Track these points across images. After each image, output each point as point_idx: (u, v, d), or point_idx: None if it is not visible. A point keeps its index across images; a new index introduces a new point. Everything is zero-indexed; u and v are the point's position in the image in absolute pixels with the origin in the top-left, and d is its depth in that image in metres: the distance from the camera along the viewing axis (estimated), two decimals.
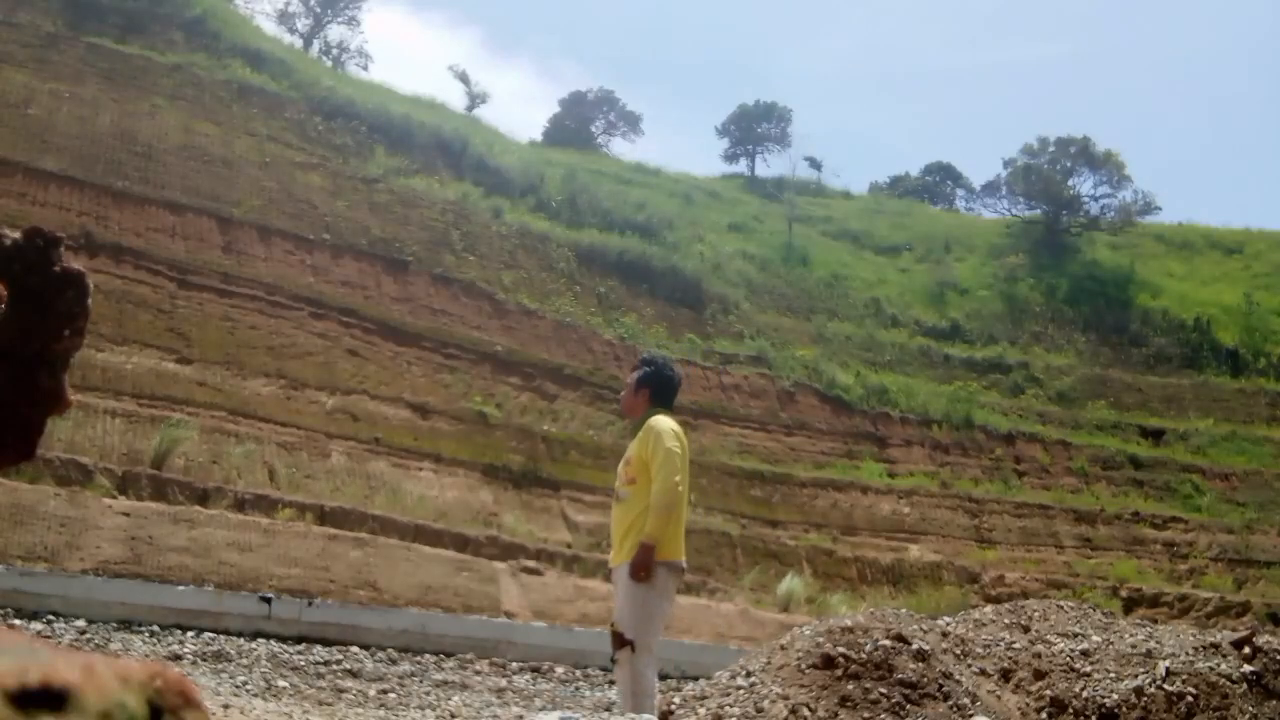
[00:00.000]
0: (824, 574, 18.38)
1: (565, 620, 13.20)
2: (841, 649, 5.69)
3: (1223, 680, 5.69)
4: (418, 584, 13.05)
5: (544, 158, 29.74)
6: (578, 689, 10.45)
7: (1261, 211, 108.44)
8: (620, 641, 5.49)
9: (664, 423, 5.57)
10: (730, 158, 41.79)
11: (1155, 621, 11.02)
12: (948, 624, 6.78)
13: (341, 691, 8.53)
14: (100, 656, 0.75)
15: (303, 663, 9.54)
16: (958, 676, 5.70)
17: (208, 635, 9.97)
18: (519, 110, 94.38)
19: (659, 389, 5.74)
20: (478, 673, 10.46)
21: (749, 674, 6.12)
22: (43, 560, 10.88)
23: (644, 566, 5.38)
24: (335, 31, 35.78)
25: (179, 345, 15.92)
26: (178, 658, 8.90)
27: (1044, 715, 5.72)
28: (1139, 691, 5.62)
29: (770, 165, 41.18)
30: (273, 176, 20.02)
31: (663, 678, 11.06)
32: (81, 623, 9.55)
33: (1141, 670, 5.79)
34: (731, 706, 5.80)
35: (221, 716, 6.11)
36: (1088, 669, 5.91)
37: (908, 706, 5.36)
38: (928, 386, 24.65)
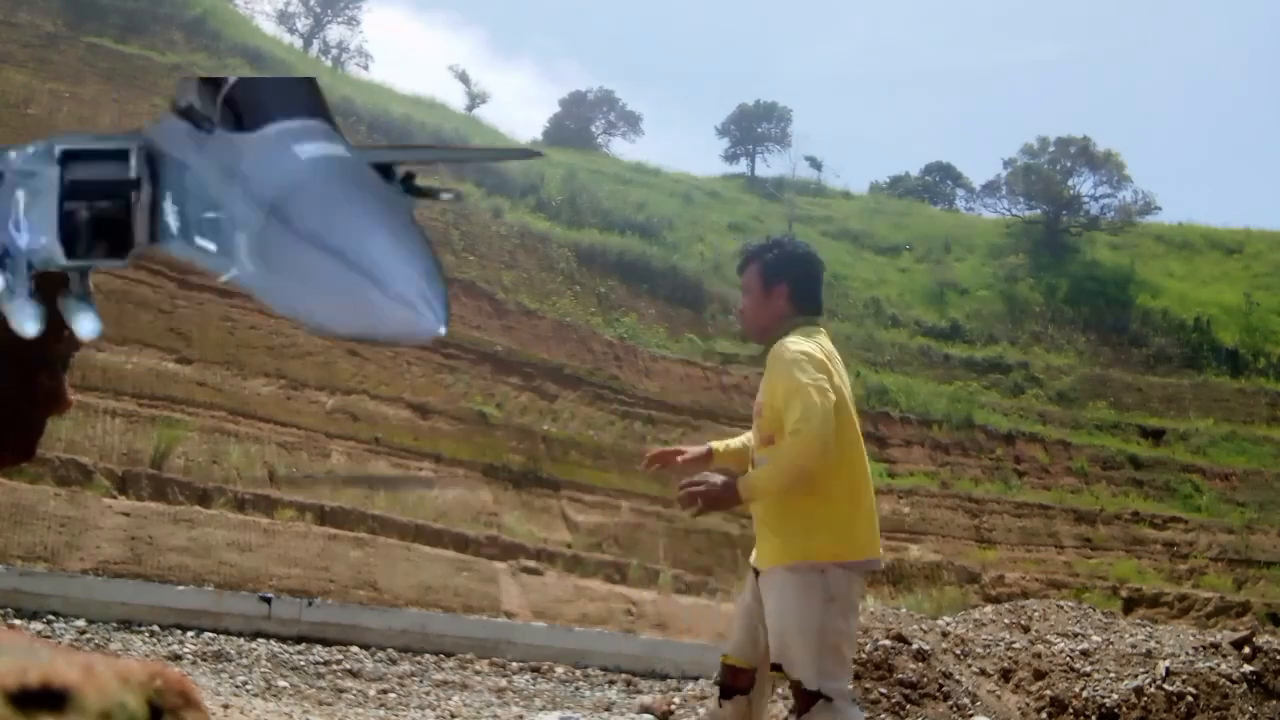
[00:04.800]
0: None
1: (565, 620, 13.19)
2: None
3: (1223, 680, 5.69)
4: (418, 584, 13.05)
5: (544, 158, 29.73)
6: (578, 689, 10.44)
7: (1261, 211, 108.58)
8: (803, 697, 3.30)
9: (797, 344, 3.50)
10: (730, 158, 41.78)
11: (1155, 621, 11.02)
12: (948, 624, 6.78)
13: (341, 691, 8.54)
14: (100, 656, 0.75)
15: (303, 663, 9.54)
16: (958, 676, 5.70)
17: (208, 635, 9.97)
18: (520, 110, 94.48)
19: (799, 280, 3.69)
20: (478, 673, 10.45)
21: None
22: (43, 560, 10.88)
23: (710, 499, 3.44)
24: (335, 31, 35.81)
25: (179, 345, 15.92)
26: (178, 658, 8.89)
27: (1044, 715, 5.72)
28: (1139, 691, 5.62)
29: (770, 165, 41.14)
30: None
31: (662, 678, 11.08)
32: (81, 623, 9.55)
33: (1141, 670, 5.79)
34: None
35: (221, 716, 6.11)
36: (1088, 669, 5.91)
37: (908, 706, 5.36)
38: (928, 386, 24.65)
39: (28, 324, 1.03)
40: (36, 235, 1.06)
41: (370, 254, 0.86)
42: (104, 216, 1.07)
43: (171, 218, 1.06)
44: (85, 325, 1.05)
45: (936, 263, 30.83)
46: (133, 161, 1.05)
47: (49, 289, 1.07)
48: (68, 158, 1.06)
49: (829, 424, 3.36)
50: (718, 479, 3.49)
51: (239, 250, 0.94)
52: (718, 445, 3.97)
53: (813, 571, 3.36)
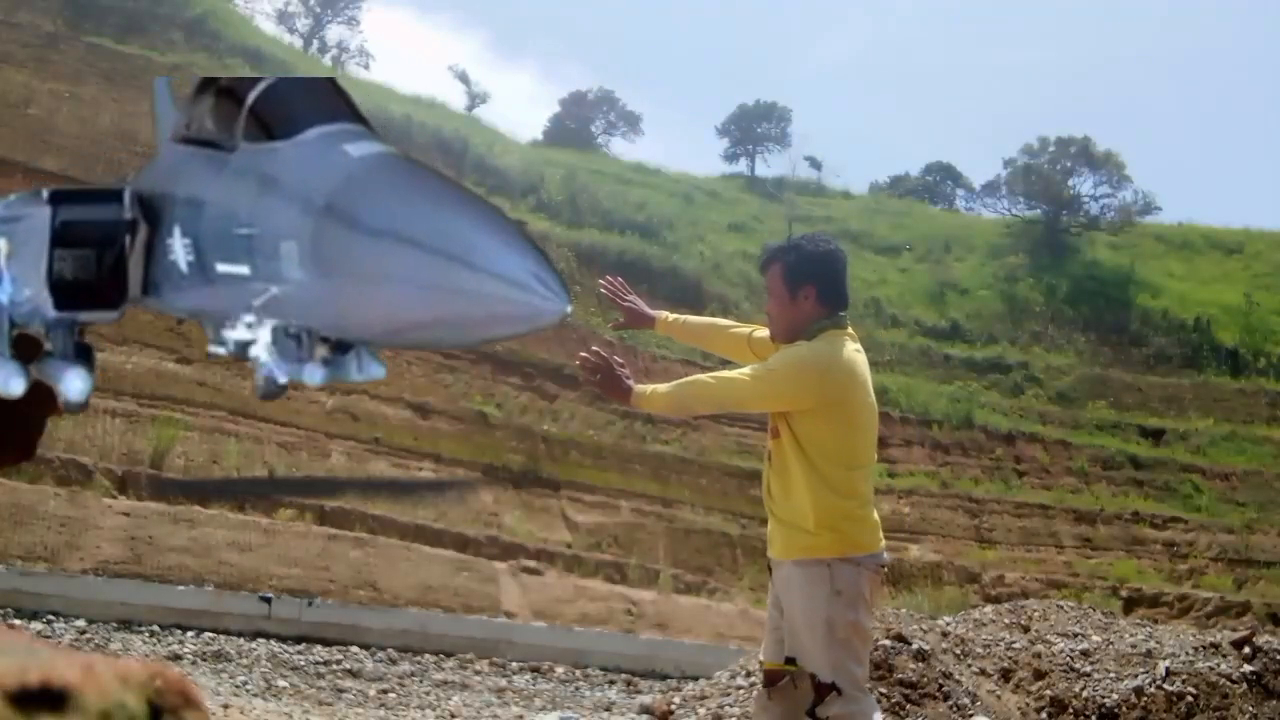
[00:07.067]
0: None
1: (565, 620, 13.19)
2: None
3: (1223, 680, 5.68)
4: (418, 584, 13.05)
5: (544, 158, 29.73)
6: (578, 689, 10.44)
7: (1261, 211, 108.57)
8: (818, 689, 3.35)
9: (805, 348, 3.48)
10: (730, 158, 41.73)
11: (1155, 621, 11.02)
12: (948, 624, 6.78)
13: (341, 691, 8.54)
14: (100, 656, 0.75)
15: (303, 663, 9.54)
16: (958, 676, 5.69)
17: (208, 635, 9.97)
18: (520, 111, 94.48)
19: (825, 279, 3.55)
20: (478, 673, 10.46)
21: (749, 674, 6.12)
22: (43, 560, 10.88)
23: (604, 386, 3.54)
24: (335, 31, 35.86)
25: (179, 345, 15.91)
26: (178, 658, 8.90)
27: (1044, 715, 5.72)
28: (1139, 691, 5.62)
29: (770, 165, 41.10)
30: None
31: (662, 678, 11.07)
32: (81, 623, 9.55)
33: (1141, 670, 5.78)
34: (731, 706, 5.81)
35: (221, 716, 6.11)
36: (1088, 669, 5.91)
37: (908, 706, 5.36)
38: (928, 386, 24.64)
39: (11, 384, 0.98)
40: (21, 288, 0.98)
41: (456, 237, 0.79)
42: (94, 264, 0.99)
43: (181, 255, 0.97)
44: (74, 386, 1.00)
45: (936, 263, 30.82)
46: (126, 202, 0.98)
47: (26, 351, 1.02)
48: (57, 199, 0.98)
49: (727, 403, 3.58)
50: (624, 373, 3.55)
51: (285, 261, 0.85)
52: (668, 317, 4.04)
53: (818, 565, 3.40)
